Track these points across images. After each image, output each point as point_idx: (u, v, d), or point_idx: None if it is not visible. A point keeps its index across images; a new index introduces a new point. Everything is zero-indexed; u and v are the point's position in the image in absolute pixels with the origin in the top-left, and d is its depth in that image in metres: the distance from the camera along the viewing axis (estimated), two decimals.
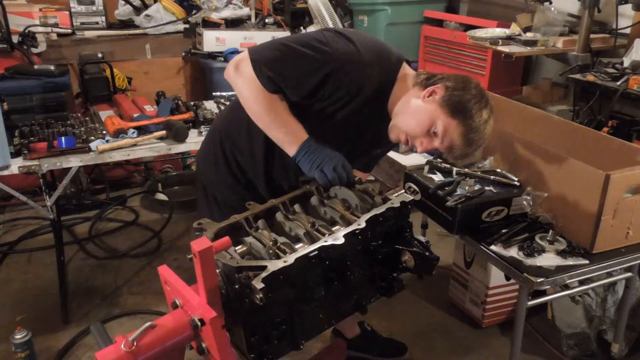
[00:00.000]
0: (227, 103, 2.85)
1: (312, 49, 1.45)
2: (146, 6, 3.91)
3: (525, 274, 1.63)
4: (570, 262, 1.68)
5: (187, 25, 3.92)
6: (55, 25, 3.52)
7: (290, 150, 1.49)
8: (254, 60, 1.46)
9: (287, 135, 1.50)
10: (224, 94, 2.97)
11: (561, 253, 1.70)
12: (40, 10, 3.47)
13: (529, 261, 1.67)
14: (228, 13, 3.92)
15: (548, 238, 1.73)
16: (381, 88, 1.52)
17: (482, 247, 1.77)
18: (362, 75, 1.47)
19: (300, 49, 1.45)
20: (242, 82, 1.49)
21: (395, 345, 2.35)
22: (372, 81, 1.48)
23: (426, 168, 2.06)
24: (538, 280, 1.61)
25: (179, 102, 2.67)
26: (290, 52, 1.46)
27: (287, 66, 1.46)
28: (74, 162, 2.25)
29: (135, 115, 2.55)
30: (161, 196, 3.78)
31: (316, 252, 1.14)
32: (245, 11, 4.02)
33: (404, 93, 1.52)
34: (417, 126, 1.45)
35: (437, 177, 2.00)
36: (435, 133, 1.44)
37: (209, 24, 3.89)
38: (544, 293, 1.88)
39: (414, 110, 1.46)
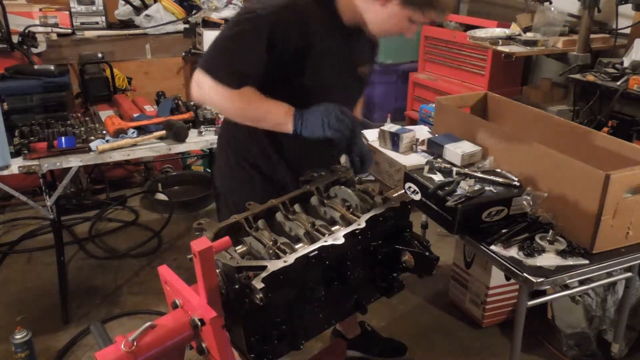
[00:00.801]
0: None
1: (242, 23, 1.45)
2: (146, 6, 3.91)
3: (525, 274, 1.63)
4: (570, 262, 1.68)
5: (187, 25, 3.92)
6: (55, 25, 3.52)
7: (287, 129, 1.49)
8: (207, 70, 1.45)
9: (276, 118, 1.50)
10: None
11: (561, 253, 1.70)
12: (40, 10, 3.46)
13: (529, 261, 1.67)
14: (228, 13, 3.92)
15: (548, 238, 1.73)
16: (324, 5, 1.52)
17: (482, 247, 1.77)
18: (298, 9, 1.46)
19: (234, 32, 1.46)
20: (210, 97, 1.48)
21: (395, 345, 2.35)
22: (310, 7, 1.49)
23: (426, 168, 2.06)
24: (538, 280, 1.61)
25: (179, 102, 2.67)
26: (229, 41, 1.46)
27: (234, 54, 1.45)
28: (74, 162, 2.25)
29: (135, 115, 2.55)
30: (161, 196, 3.78)
31: (316, 252, 1.14)
32: None
33: None
34: (395, 28, 1.51)
35: (437, 177, 2.01)
36: (414, 21, 1.49)
37: (209, 24, 3.89)
38: (544, 293, 1.88)
39: (384, 20, 1.50)
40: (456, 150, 2.09)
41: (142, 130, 2.42)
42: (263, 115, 1.51)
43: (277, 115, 1.50)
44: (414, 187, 2.02)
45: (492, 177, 1.94)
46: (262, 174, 1.69)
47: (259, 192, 1.60)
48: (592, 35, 3.05)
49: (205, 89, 1.47)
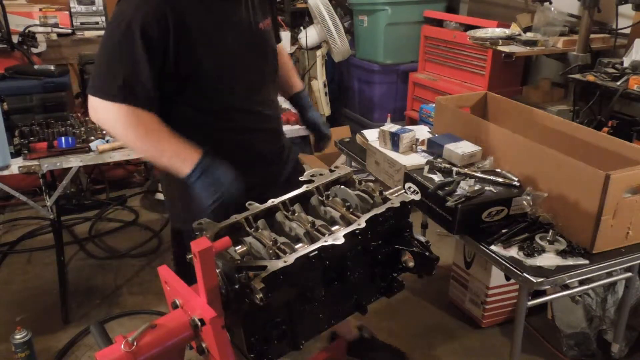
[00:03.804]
0: None
1: (112, 33, 1.36)
2: None
3: (525, 274, 1.62)
4: (570, 262, 1.68)
5: None
6: (55, 25, 3.52)
7: (182, 170, 1.38)
8: (93, 92, 1.36)
9: (176, 151, 1.38)
10: None
11: (561, 253, 1.70)
12: (40, 10, 3.47)
13: (529, 261, 1.67)
14: None
15: (548, 238, 1.73)
16: None
17: (482, 247, 1.77)
18: None
19: (108, 45, 1.37)
20: (105, 119, 1.38)
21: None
22: None
23: (426, 168, 2.06)
24: (538, 280, 1.61)
25: None
26: (105, 56, 1.37)
27: (114, 67, 1.35)
28: (74, 162, 2.25)
29: None
30: (161, 196, 3.78)
31: (316, 252, 1.14)
32: None
33: None
34: None
35: (437, 177, 2.00)
36: None
37: None
38: (544, 293, 1.88)
39: None
40: (456, 150, 2.09)
41: None
42: (163, 147, 1.38)
43: (179, 149, 1.38)
44: (414, 187, 2.02)
45: (492, 177, 1.94)
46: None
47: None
48: (592, 35, 3.05)
49: (99, 111, 1.37)
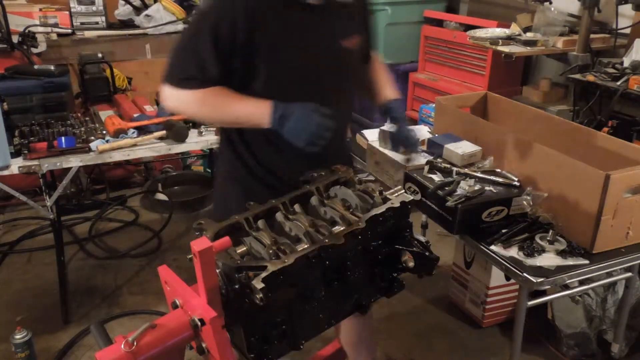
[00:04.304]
0: None
1: (189, 27, 1.51)
2: (146, 6, 3.91)
3: (525, 274, 1.63)
4: (570, 262, 1.68)
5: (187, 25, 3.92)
6: (55, 25, 3.52)
7: (263, 123, 1.42)
8: (166, 80, 1.45)
9: (250, 112, 1.44)
10: None
11: (561, 253, 1.70)
12: (40, 10, 3.47)
13: (529, 261, 1.67)
14: None
15: (548, 238, 1.73)
16: None
17: (482, 247, 1.77)
18: None
19: (183, 37, 1.49)
20: (176, 105, 1.48)
21: None
22: None
23: (426, 168, 2.06)
24: (538, 280, 1.61)
25: None
26: (179, 48, 1.47)
27: (185, 59, 1.45)
28: (74, 162, 2.25)
29: (135, 115, 2.55)
30: (161, 196, 3.79)
31: (316, 252, 1.14)
32: None
33: None
34: None
35: (437, 177, 2.01)
36: None
37: None
38: (544, 293, 1.88)
39: None
40: (456, 150, 2.09)
41: (142, 130, 2.42)
42: (235, 112, 1.46)
43: (251, 110, 1.44)
44: (414, 187, 2.02)
45: (492, 177, 1.94)
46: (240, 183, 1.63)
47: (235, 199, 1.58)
48: (592, 35, 3.04)
49: (171, 98, 1.47)
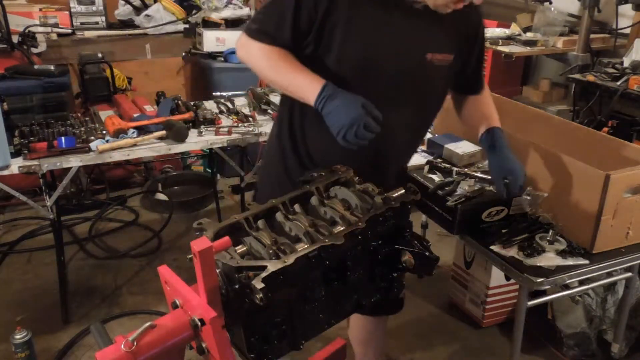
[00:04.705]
0: (228, 103, 2.85)
1: None
2: (146, 6, 3.91)
3: (525, 274, 1.62)
4: (570, 262, 1.68)
5: (187, 25, 3.92)
6: (55, 25, 3.52)
7: (309, 99, 1.41)
8: (246, 30, 1.51)
9: (302, 83, 1.43)
10: (224, 94, 2.97)
11: (561, 253, 1.70)
12: (40, 10, 3.47)
13: (529, 261, 1.67)
14: (228, 13, 3.92)
15: (548, 238, 1.73)
16: None
17: (482, 247, 1.77)
18: None
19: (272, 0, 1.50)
20: (248, 55, 1.50)
21: None
22: None
23: (426, 168, 2.06)
24: (538, 280, 1.61)
25: (179, 102, 2.67)
26: (264, 7, 1.50)
27: (266, 17, 1.49)
28: (74, 162, 2.25)
29: (135, 115, 2.55)
30: (161, 196, 3.78)
31: (316, 252, 1.14)
32: (245, 11, 4.02)
33: None
34: None
35: (437, 177, 2.01)
36: None
37: (209, 24, 3.89)
38: (544, 293, 1.88)
39: None
40: (456, 150, 2.09)
41: (142, 130, 2.42)
42: (290, 78, 1.45)
43: (304, 81, 1.42)
44: (414, 187, 2.01)
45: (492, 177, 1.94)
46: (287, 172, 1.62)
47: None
48: (592, 35, 3.05)
49: (244, 48, 1.50)
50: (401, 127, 1.54)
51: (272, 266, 1.08)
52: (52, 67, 2.73)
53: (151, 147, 2.37)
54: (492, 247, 1.75)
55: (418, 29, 1.46)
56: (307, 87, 1.42)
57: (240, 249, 1.20)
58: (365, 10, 1.42)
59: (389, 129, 1.42)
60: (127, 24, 3.91)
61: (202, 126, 2.53)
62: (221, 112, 2.76)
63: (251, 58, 1.50)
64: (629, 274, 1.92)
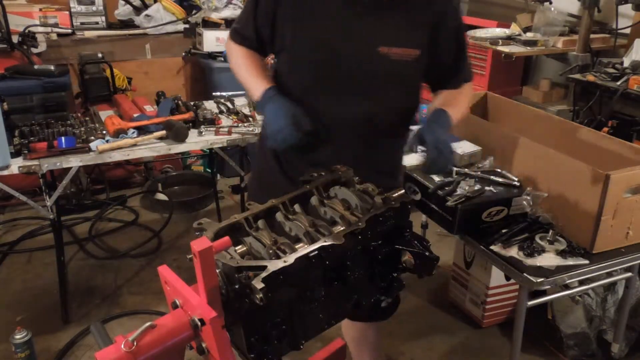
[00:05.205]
0: (228, 103, 2.85)
1: None
2: (146, 6, 3.91)
3: (525, 274, 1.63)
4: (570, 262, 1.68)
5: (187, 25, 3.92)
6: (55, 25, 3.52)
7: (254, 98, 1.56)
8: (230, 29, 1.66)
9: (252, 85, 1.56)
10: (224, 94, 2.97)
11: (561, 253, 1.70)
12: (40, 10, 3.47)
13: (529, 261, 1.67)
14: (228, 13, 3.92)
15: (548, 238, 1.73)
16: None
17: (482, 247, 1.77)
18: None
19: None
20: (227, 52, 1.68)
21: None
22: None
23: None
24: (538, 280, 1.61)
25: (179, 102, 2.67)
26: (246, 3, 1.62)
27: (240, 16, 1.64)
28: (74, 162, 2.25)
29: (135, 115, 2.55)
30: (161, 196, 3.78)
31: (316, 252, 1.14)
32: None
33: None
34: None
35: (437, 177, 2.01)
36: None
37: (209, 24, 3.89)
38: (544, 293, 1.88)
39: None
40: (456, 150, 2.09)
41: (142, 130, 2.42)
42: (245, 79, 1.59)
43: (253, 85, 1.55)
44: (414, 187, 2.02)
45: (492, 177, 1.94)
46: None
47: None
48: (592, 35, 3.05)
49: (227, 45, 1.67)
50: (363, 122, 1.52)
51: (272, 266, 1.08)
52: (52, 67, 2.73)
53: (151, 147, 2.37)
54: (492, 247, 1.75)
55: (367, 23, 1.44)
56: (254, 89, 1.54)
57: (240, 249, 1.20)
58: (312, 7, 1.46)
59: (347, 122, 1.49)
60: (127, 24, 3.91)
61: (202, 126, 2.53)
62: (221, 112, 2.76)
63: (228, 57, 1.66)
64: (629, 274, 1.93)
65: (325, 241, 1.16)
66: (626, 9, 2.90)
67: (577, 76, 2.82)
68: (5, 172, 2.16)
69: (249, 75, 1.57)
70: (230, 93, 2.94)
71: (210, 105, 2.84)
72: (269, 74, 1.59)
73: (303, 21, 1.47)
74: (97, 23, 3.76)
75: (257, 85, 1.53)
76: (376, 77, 1.49)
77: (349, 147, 1.55)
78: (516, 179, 1.92)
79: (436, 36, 1.48)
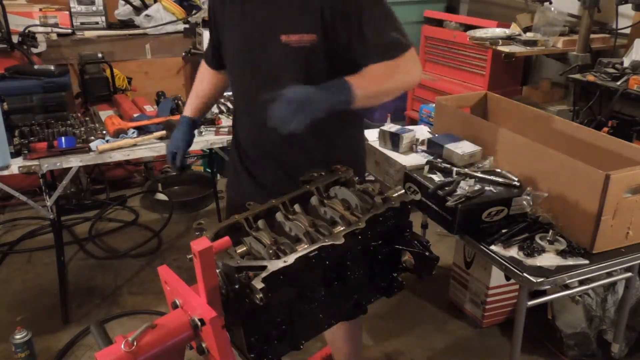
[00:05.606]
0: (228, 103, 2.85)
1: None
2: (146, 6, 3.91)
3: (525, 274, 1.63)
4: (570, 262, 1.68)
5: (187, 25, 3.91)
6: (55, 25, 3.52)
7: None
8: None
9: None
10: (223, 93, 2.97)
11: (561, 253, 1.70)
12: (40, 10, 3.46)
13: (529, 261, 1.67)
14: None
15: (548, 238, 1.73)
16: None
17: (482, 247, 1.77)
18: None
19: None
20: None
21: None
22: None
23: (426, 168, 2.06)
24: (538, 280, 1.61)
25: (179, 102, 2.67)
26: None
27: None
28: (74, 162, 2.25)
29: (135, 115, 2.55)
30: (161, 196, 3.79)
31: (316, 252, 1.14)
32: None
33: None
34: None
35: (437, 177, 2.01)
36: None
37: None
38: (544, 293, 1.88)
39: None
40: (456, 150, 2.09)
41: (142, 130, 2.42)
42: (190, 95, 1.89)
43: (189, 101, 1.88)
44: (414, 187, 2.02)
45: (492, 177, 1.94)
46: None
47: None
48: (592, 35, 3.05)
49: None
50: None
51: (272, 266, 1.08)
52: (52, 67, 2.73)
53: (151, 147, 2.37)
54: (492, 247, 1.75)
55: (272, 12, 1.47)
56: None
57: (240, 249, 1.20)
58: (226, 8, 1.58)
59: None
60: (127, 24, 3.91)
61: (202, 126, 2.53)
62: (221, 112, 2.76)
63: None
64: (629, 274, 1.92)
65: (325, 241, 1.16)
66: (626, 9, 2.90)
67: (577, 76, 2.82)
68: (5, 172, 2.16)
69: (189, 97, 1.88)
70: (230, 93, 2.94)
71: None
72: (205, 101, 1.88)
73: (224, 29, 1.63)
74: (97, 23, 3.76)
75: (185, 107, 1.87)
76: (284, 66, 1.48)
77: (285, 143, 1.50)
78: (516, 179, 1.91)
79: (330, 19, 1.42)
